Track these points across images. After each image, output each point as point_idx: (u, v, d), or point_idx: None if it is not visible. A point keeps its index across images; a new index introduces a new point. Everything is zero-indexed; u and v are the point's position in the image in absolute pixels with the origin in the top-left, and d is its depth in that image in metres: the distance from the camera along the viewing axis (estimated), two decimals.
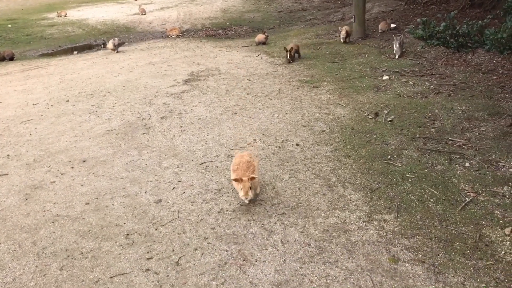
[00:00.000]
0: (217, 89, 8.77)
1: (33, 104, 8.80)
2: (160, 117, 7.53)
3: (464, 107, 6.74)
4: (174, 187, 5.32)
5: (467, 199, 4.65)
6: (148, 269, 4.03)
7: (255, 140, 6.38)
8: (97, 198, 5.21)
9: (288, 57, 10.11)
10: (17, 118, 8.10)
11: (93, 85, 9.85)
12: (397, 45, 9.59)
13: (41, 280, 4.00)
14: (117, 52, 13.66)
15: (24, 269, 4.15)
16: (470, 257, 3.89)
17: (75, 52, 15.09)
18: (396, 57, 9.68)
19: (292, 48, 10.14)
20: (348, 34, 11.59)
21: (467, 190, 4.81)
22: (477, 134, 5.95)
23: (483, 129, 6.04)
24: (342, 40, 11.67)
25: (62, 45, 16.49)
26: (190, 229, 4.55)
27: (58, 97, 9.17)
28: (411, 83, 8.08)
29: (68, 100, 8.86)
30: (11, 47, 15.71)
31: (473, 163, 5.28)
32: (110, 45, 13.67)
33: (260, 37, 13.03)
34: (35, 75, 11.42)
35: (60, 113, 8.17)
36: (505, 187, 4.77)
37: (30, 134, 7.28)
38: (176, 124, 7.16)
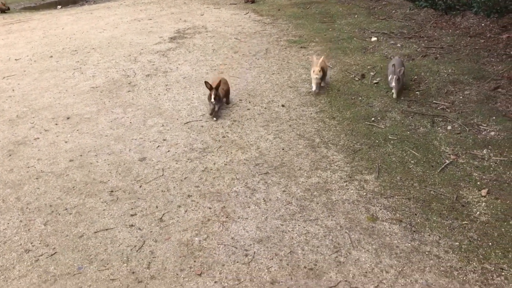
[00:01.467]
0: (203, 48, 8.65)
1: (16, 60, 8.61)
2: (145, 75, 7.45)
3: (450, 70, 6.76)
4: (158, 146, 5.33)
5: (447, 161, 4.75)
6: (132, 225, 4.10)
7: (240, 100, 6.36)
8: (81, 155, 5.22)
9: None
10: None
11: (77, 41, 9.64)
12: (394, 82, 6.05)
13: (26, 234, 4.05)
14: None
15: (8, 223, 4.19)
16: (446, 217, 4.01)
17: (59, 7, 14.66)
18: (394, 95, 6.14)
19: None
20: None
21: (447, 152, 4.90)
22: (461, 97, 6.00)
23: (467, 92, 6.09)
24: None
25: None
26: (174, 187, 4.60)
27: (41, 52, 8.98)
28: (399, 45, 8.05)
29: (51, 56, 8.69)
30: None
31: (455, 126, 5.36)
32: None
33: None
34: (17, 29, 11.12)
35: (43, 69, 8.02)
36: (484, 150, 4.87)
37: (13, 90, 7.17)
38: (161, 83, 7.10)
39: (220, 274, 3.54)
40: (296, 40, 8.80)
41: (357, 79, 6.84)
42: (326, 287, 3.36)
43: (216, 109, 5.89)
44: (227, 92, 6.22)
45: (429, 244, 3.71)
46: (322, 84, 6.43)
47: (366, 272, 3.48)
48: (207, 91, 5.85)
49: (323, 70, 6.16)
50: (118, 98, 6.64)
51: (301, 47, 8.40)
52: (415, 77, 6.67)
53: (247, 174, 4.74)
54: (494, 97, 5.90)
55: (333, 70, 7.19)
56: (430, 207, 4.13)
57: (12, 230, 4.10)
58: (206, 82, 5.83)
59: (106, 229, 4.06)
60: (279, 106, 6.16)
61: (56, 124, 5.99)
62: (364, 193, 4.36)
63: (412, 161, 4.78)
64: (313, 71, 6.16)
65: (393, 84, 5.97)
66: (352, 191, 4.40)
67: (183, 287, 3.43)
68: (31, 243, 3.94)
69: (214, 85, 5.77)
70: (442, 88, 6.27)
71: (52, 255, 3.80)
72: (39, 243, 3.93)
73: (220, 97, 5.89)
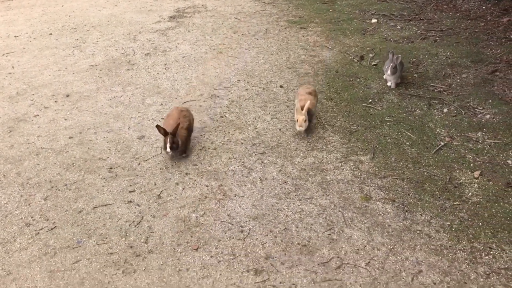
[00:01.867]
0: (203, 27, 8.63)
1: (15, 36, 8.60)
2: (144, 53, 7.46)
3: (448, 53, 6.78)
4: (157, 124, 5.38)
5: (441, 143, 4.81)
6: (131, 201, 4.18)
7: (239, 80, 6.39)
8: (80, 133, 5.27)
9: None
10: None
11: (77, 18, 9.61)
12: (389, 71, 5.78)
13: (26, 208, 4.13)
14: None
15: (9, 198, 4.27)
16: (439, 197, 4.09)
17: None
18: (391, 85, 5.99)
19: None
20: None
21: (442, 134, 4.96)
22: (458, 80, 6.03)
23: (465, 75, 6.13)
24: None
25: None
26: (172, 165, 4.67)
27: (40, 30, 8.96)
28: (398, 27, 8.04)
29: (51, 34, 8.67)
30: None
31: (451, 108, 5.41)
32: None
33: None
34: (17, 6, 11.06)
35: (43, 46, 8.02)
36: (479, 133, 4.93)
37: (13, 67, 7.19)
38: (160, 62, 7.11)
39: (216, 249, 3.63)
40: (296, 21, 8.78)
41: (356, 60, 6.85)
42: (318, 263, 3.45)
43: (177, 155, 4.78)
44: (188, 133, 4.84)
45: (420, 224, 3.80)
46: (313, 121, 5.19)
47: (358, 249, 3.57)
48: (207, 71, 5.82)
49: (310, 113, 4.96)
50: (117, 77, 6.66)
51: (301, 27, 8.38)
52: (414, 59, 6.69)
53: (244, 154, 4.80)
54: (491, 81, 5.93)
55: (332, 52, 7.20)
56: (423, 187, 4.21)
57: (13, 205, 4.19)
58: (158, 127, 4.51)
59: (105, 205, 4.15)
60: (277, 87, 6.19)
61: (55, 101, 6.03)
62: (359, 173, 4.43)
63: (407, 143, 4.85)
64: (296, 121, 4.90)
65: (388, 72, 5.77)
66: (347, 171, 4.47)
67: (180, 261, 3.52)
68: (31, 217, 4.02)
69: (170, 130, 4.51)
70: (440, 71, 6.30)
71: (52, 229, 3.89)
72: (39, 217, 4.02)
73: (179, 144, 4.61)
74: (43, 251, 3.66)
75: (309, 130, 5.09)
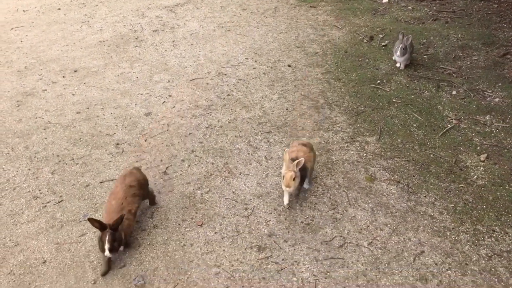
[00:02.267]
0: (211, 4, 8.55)
1: (24, 11, 8.58)
2: (152, 30, 7.42)
3: (459, 35, 6.68)
4: (164, 101, 5.39)
5: (449, 125, 4.78)
6: None
7: (247, 59, 6.36)
8: (88, 108, 5.30)
9: None
10: (7, 24, 7.95)
11: None
12: (398, 53, 5.72)
13: (34, 182, 4.19)
14: None
15: (17, 171, 4.33)
16: (444, 179, 4.09)
17: None
18: (401, 66, 5.90)
19: None
20: None
21: (450, 117, 4.92)
22: (468, 63, 5.96)
23: (475, 58, 6.05)
24: None
25: None
26: (178, 142, 4.69)
27: (49, 4, 8.92)
28: (410, 8, 7.92)
29: (59, 9, 8.64)
30: None
31: (460, 91, 5.35)
32: None
33: None
34: None
35: (51, 21, 8.00)
36: (487, 116, 4.89)
37: (21, 41, 7.19)
38: (168, 38, 7.08)
39: (220, 225, 3.67)
40: None
41: (365, 41, 6.78)
42: (321, 242, 3.48)
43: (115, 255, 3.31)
44: (130, 223, 3.43)
45: (424, 205, 3.80)
46: (306, 186, 3.94)
47: (361, 229, 3.59)
48: (215, 49, 5.78)
49: (305, 166, 3.66)
50: (125, 53, 6.65)
51: (310, 6, 8.28)
52: (424, 41, 6.60)
53: (250, 132, 4.81)
54: (502, 64, 5.85)
55: (341, 31, 7.12)
56: (428, 169, 4.20)
57: (21, 178, 4.24)
58: (91, 220, 3.16)
59: (112, 180, 4.19)
60: (285, 66, 6.16)
61: (63, 76, 6.04)
62: (364, 154, 4.43)
63: (414, 125, 4.82)
64: (283, 179, 3.58)
65: (398, 53, 5.71)
66: (352, 152, 4.47)
67: (184, 236, 3.56)
68: (39, 190, 4.08)
69: (110, 221, 3.23)
70: (450, 53, 6.22)
71: (59, 202, 3.94)
72: (47, 191, 4.07)
73: (122, 241, 3.29)
74: (50, 224, 3.71)
75: (299, 192, 3.84)
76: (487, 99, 5.19)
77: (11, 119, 5.13)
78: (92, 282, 3.21)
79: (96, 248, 3.46)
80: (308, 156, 3.78)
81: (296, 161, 3.51)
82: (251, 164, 4.35)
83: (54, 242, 3.54)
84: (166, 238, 3.56)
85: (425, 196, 3.90)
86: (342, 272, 3.24)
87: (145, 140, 4.72)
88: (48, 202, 3.94)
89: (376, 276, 3.19)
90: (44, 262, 3.38)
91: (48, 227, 3.69)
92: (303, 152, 3.77)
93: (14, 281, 3.23)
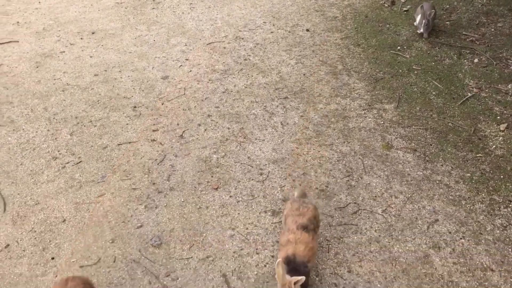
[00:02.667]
0: None
1: None
2: None
3: (484, 0, 6.45)
4: (181, 65, 5.37)
5: (469, 94, 4.69)
6: (154, 140, 4.26)
7: (264, 22, 6.25)
8: (105, 70, 5.31)
9: None
10: None
11: None
12: (422, 28, 5.64)
13: (53, 143, 4.26)
14: None
15: (37, 132, 4.40)
16: (461, 149, 4.04)
17: None
18: (424, 35, 5.68)
19: None
20: None
21: (471, 85, 4.82)
22: (492, 30, 5.78)
23: (500, 25, 5.86)
24: None
25: None
26: (195, 106, 4.70)
27: None
28: None
29: None
30: None
31: (482, 59, 5.22)
32: None
33: None
34: None
35: None
36: (509, 85, 4.77)
37: (39, 2, 7.17)
38: (185, 1, 6.99)
39: (235, 189, 3.71)
40: None
41: (386, 5, 6.60)
42: (335, 208, 3.51)
43: None
44: None
45: (440, 174, 3.78)
46: None
47: (375, 196, 3.60)
48: (232, 12, 5.71)
49: (306, 270, 2.72)
50: (142, 15, 6.60)
51: None
52: (447, 6, 6.41)
53: (266, 98, 4.79)
54: None
55: None
56: (446, 138, 4.16)
57: (40, 138, 4.32)
58: None
59: (129, 142, 4.24)
60: (304, 30, 6.05)
61: (81, 38, 6.04)
62: (382, 122, 4.39)
63: (434, 92, 4.74)
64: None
65: (421, 30, 5.59)
66: (370, 119, 4.43)
67: (200, 199, 3.62)
68: (58, 151, 4.15)
69: None
70: (474, 19, 6.03)
71: (77, 163, 4.02)
72: (66, 152, 4.15)
73: None
74: (69, 184, 3.80)
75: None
76: (510, 67, 5.05)
77: (30, 80, 5.18)
78: (110, 241, 3.30)
79: (115, 208, 3.55)
80: (310, 248, 2.77)
81: (295, 280, 2.54)
82: (266, 129, 4.35)
83: (73, 202, 3.63)
84: (182, 200, 3.62)
85: (441, 165, 3.87)
86: (355, 238, 3.27)
87: (162, 104, 4.74)
88: (67, 163, 4.02)
89: (389, 242, 3.22)
90: (63, 221, 3.47)
91: (67, 187, 3.77)
92: (303, 245, 2.75)
93: (35, 238, 3.33)
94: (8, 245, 3.28)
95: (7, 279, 3.03)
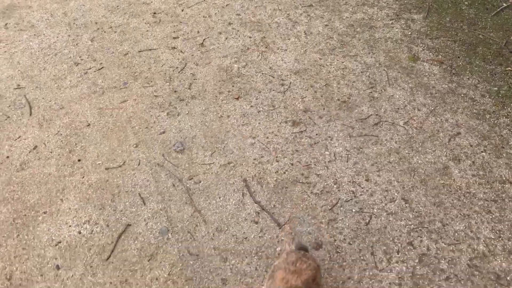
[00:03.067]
0: None
1: None
2: None
3: None
4: None
5: (504, 4, 4.44)
6: (174, 47, 4.20)
7: None
8: None
9: None
10: None
11: None
12: None
13: (74, 48, 4.24)
14: None
15: (57, 37, 4.37)
16: (490, 62, 3.91)
17: None
18: None
19: None
20: None
21: None
22: None
23: None
24: None
25: None
26: (215, 13, 4.56)
27: None
28: None
29: None
30: None
31: None
32: None
33: None
34: None
35: None
36: None
37: None
38: None
39: (256, 99, 3.70)
40: None
41: None
42: (356, 119, 3.50)
43: None
44: None
45: (466, 87, 3.70)
46: None
47: (398, 108, 3.56)
48: None
49: None
50: None
51: None
52: None
53: (290, 6, 4.61)
54: None
55: None
56: (475, 50, 4.01)
57: (62, 44, 4.29)
58: None
59: (150, 49, 4.19)
60: None
61: None
62: (409, 33, 4.23)
63: (466, 2, 4.50)
64: None
65: None
66: (397, 30, 4.27)
67: (221, 108, 3.63)
68: (79, 57, 4.14)
69: None
70: None
71: (99, 69, 4.02)
72: (87, 58, 4.14)
73: None
74: (92, 90, 3.83)
75: None
76: None
77: None
78: (134, 145, 3.38)
79: (137, 114, 3.60)
80: None
81: None
82: (289, 39, 4.24)
83: (96, 107, 3.68)
84: (203, 108, 3.64)
85: (468, 78, 3.78)
86: (375, 148, 3.29)
87: (182, 10, 4.61)
88: (89, 68, 4.03)
89: (409, 154, 3.24)
90: (88, 125, 3.55)
91: (90, 92, 3.81)
92: None
93: (61, 141, 3.43)
94: (36, 146, 3.39)
95: (37, 178, 3.17)
